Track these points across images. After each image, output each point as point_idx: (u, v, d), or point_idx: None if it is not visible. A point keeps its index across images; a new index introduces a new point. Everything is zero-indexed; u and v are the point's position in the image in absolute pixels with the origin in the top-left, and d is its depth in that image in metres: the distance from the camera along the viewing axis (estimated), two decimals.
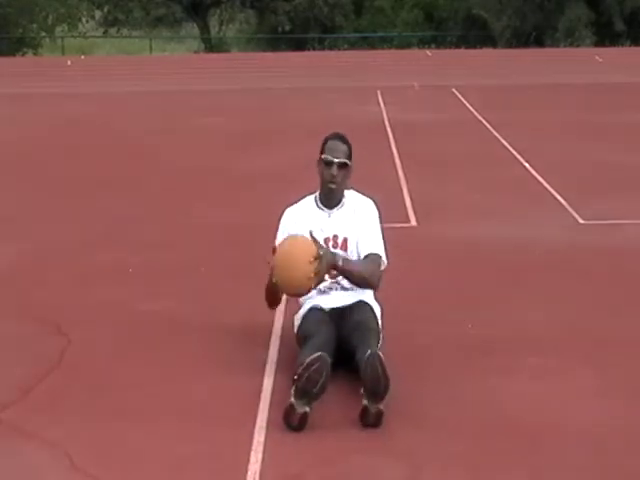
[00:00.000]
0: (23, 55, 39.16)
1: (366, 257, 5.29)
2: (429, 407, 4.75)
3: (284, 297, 5.57)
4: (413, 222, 8.57)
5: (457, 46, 37.61)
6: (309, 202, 5.48)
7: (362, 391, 4.53)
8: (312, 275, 4.99)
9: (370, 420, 4.51)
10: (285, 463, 4.21)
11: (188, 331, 5.85)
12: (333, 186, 5.32)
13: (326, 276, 5.18)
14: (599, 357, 5.40)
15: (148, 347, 5.62)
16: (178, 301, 6.43)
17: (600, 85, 20.66)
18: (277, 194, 8.86)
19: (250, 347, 5.53)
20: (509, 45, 37.20)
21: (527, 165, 11.12)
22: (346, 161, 5.31)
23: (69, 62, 30.79)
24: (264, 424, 4.55)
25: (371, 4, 43.14)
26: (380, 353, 4.56)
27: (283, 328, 5.79)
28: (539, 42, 37.32)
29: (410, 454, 4.28)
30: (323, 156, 5.31)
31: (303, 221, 5.36)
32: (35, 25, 41.51)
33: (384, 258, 5.34)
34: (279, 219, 5.51)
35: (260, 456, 4.25)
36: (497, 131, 13.79)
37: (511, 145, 12.51)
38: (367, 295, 5.36)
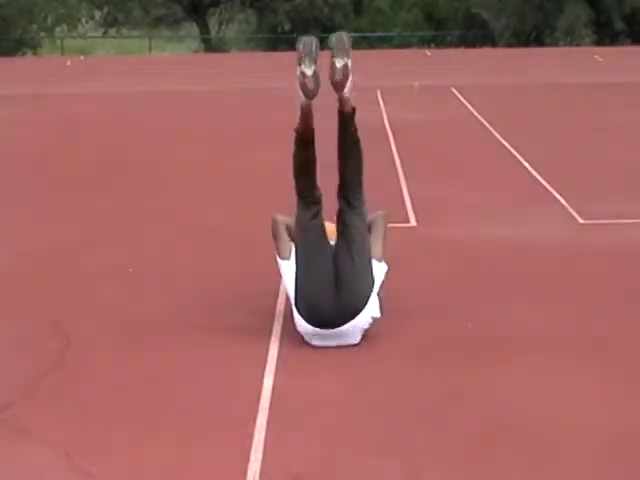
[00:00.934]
0: (23, 55, 39.17)
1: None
2: (429, 407, 4.75)
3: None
4: (413, 222, 8.56)
5: (457, 46, 37.64)
6: None
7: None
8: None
9: (337, 75, 5.53)
10: (285, 463, 4.21)
11: (188, 331, 5.86)
12: None
13: None
14: (599, 357, 5.40)
15: (148, 347, 5.62)
16: (178, 301, 6.43)
17: (600, 84, 20.66)
18: (277, 194, 8.85)
19: (250, 347, 5.53)
20: (509, 44, 37.22)
21: (527, 164, 11.12)
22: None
23: (69, 62, 30.80)
24: (264, 424, 4.55)
25: (371, 4, 43.15)
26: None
27: (283, 328, 5.79)
28: (539, 41, 37.34)
29: (410, 453, 4.28)
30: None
31: None
32: (35, 25, 41.52)
33: None
34: None
35: (260, 456, 4.25)
36: (497, 131, 13.79)
37: (511, 145, 12.51)
38: None
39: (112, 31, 45.44)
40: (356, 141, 5.70)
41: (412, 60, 29.15)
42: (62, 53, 38.73)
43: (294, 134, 5.67)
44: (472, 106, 16.82)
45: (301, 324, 5.53)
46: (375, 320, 5.54)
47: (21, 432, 4.52)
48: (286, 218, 5.90)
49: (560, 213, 8.83)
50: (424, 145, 12.78)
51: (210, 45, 42.92)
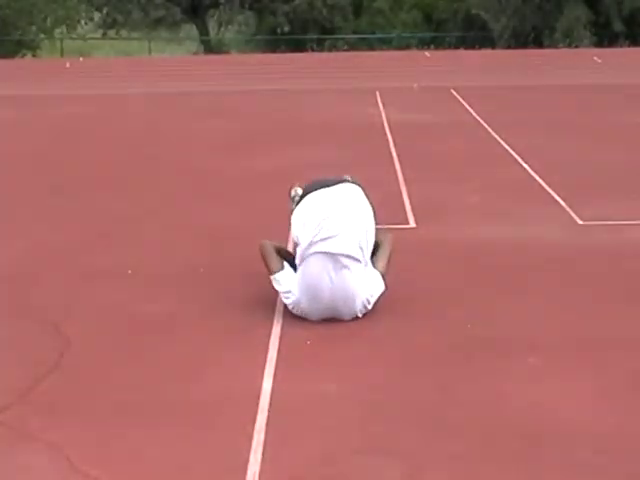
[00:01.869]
0: (22, 57, 39.16)
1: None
2: (429, 407, 4.75)
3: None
4: (412, 223, 8.56)
5: (456, 47, 37.60)
6: None
7: None
8: None
9: None
10: (285, 463, 4.21)
11: (188, 331, 5.86)
12: None
13: None
14: (599, 357, 5.40)
15: (148, 347, 5.62)
16: (178, 301, 6.43)
17: (599, 85, 20.66)
18: (277, 195, 8.85)
19: (250, 347, 5.54)
20: (508, 46, 37.20)
21: (526, 165, 11.12)
22: None
23: (68, 64, 30.76)
24: (264, 425, 4.55)
25: (370, 5, 43.14)
26: None
27: (283, 329, 5.80)
28: (538, 43, 37.33)
29: (410, 454, 4.28)
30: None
31: None
32: (34, 27, 41.48)
33: None
34: None
35: (260, 456, 4.25)
36: (496, 132, 13.79)
37: (510, 145, 12.51)
38: None
39: (111, 33, 45.42)
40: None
41: (411, 61, 29.15)
42: (61, 54, 38.70)
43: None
44: (471, 107, 16.82)
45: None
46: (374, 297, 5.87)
47: (21, 433, 4.52)
48: (275, 242, 6.26)
49: (559, 214, 8.83)
50: (423, 146, 12.77)
51: (209, 47, 42.91)
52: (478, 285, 6.74)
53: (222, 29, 46.66)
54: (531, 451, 4.29)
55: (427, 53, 33.65)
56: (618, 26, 37.24)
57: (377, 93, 18.98)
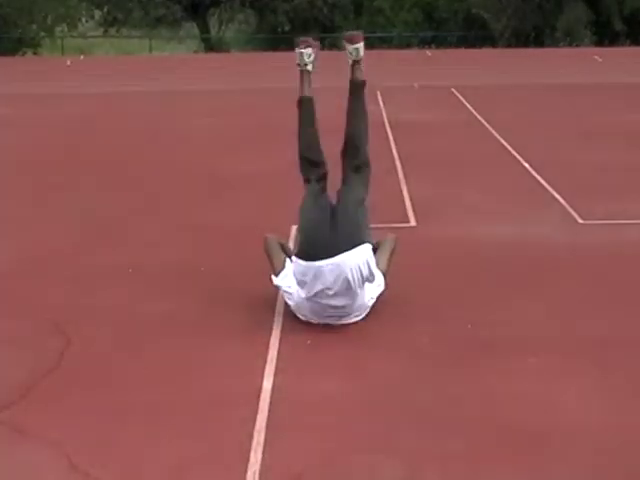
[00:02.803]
0: (23, 55, 39.16)
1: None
2: (429, 407, 4.75)
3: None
4: (412, 222, 8.56)
5: (457, 46, 37.61)
6: None
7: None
8: None
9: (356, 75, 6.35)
10: (285, 463, 4.21)
11: (188, 331, 5.86)
12: None
13: None
14: (599, 357, 5.40)
15: (148, 347, 5.62)
16: (178, 301, 6.43)
17: (600, 85, 20.66)
18: (277, 195, 8.88)
19: (250, 347, 5.54)
20: (509, 45, 37.21)
21: (527, 165, 11.12)
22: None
23: (68, 62, 30.78)
24: (264, 424, 4.55)
25: (371, 4, 43.11)
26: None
27: (283, 328, 5.80)
28: (539, 42, 37.34)
29: (410, 453, 4.28)
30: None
31: None
32: (34, 25, 41.48)
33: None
34: None
35: (260, 456, 4.25)
36: (497, 131, 13.79)
37: (511, 145, 12.51)
38: None
39: (112, 31, 45.42)
40: (365, 111, 6.61)
41: (412, 60, 29.15)
42: (62, 53, 38.71)
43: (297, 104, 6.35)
44: (472, 106, 16.81)
45: (297, 291, 5.80)
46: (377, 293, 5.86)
47: (21, 432, 4.52)
48: (278, 237, 6.20)
49: (560, 213, 8.83)
50: (424, 145, 12.77)
51: (210, 45, 42.90)
52: (478, 285, 6.74)
53: (223, 28, 46.64)
54: (531, 451, 4.29)
55: (428, 52, 33.66)
56: (619, 25, 37.26)
57: (378, 92, 18.98)
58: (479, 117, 15.49)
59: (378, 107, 17.00)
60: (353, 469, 4.17)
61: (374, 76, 22.86)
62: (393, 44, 39.78)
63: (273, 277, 5.99)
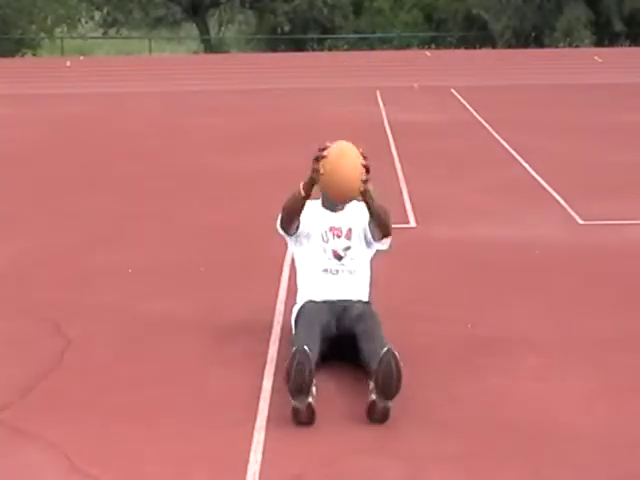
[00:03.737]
0: (22, 56, 39.17)
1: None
2: (429, 407, 4.75)
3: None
4: (412, 223, 8.56)
5: (456, 46, 37.62)
6: (314, 202, 5.60)
7: (372, 386, 4.58)
8: (362, 177, 5.21)
9: (377, 416, 4.55)
10: (285, 463, 4.20)
11: (188, 331, 5.86)
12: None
13: (331, 254, 5.44)
14: (599, 357, 5.40)
15: (148, 347, 5.62)
16: (178, 301, 6.43)
17: (599, 85, 20.67)
18: (277, 195, 8.84)
19: (250, 347, 5.53)
20: (508, 45, 37.24)
21: (526, 165, 11.12)
22: None
23: (68, 63, 30.78)
24: (264, 424, 4.55)
25: (370, 5, 43.13)
26: (395, 352, 4.63)
27: (283, 328, 5.79)
28: (538, 42, 37.35)
29: (410, 454, 4.28)
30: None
31: (309, 211, 5.52)
32: (34, 26, 41.52)
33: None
34: None
35: (260, 456, 4.25)
36: (496, 131, 13.80)
37: (511, 145, 12.52)
38: (365, 284, 5.54)
39: (112, 32, 45.43)
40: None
41: (412, 61, 29.15)
42: (62, 53, 38.71)
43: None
44: (472, 107, 16.82)
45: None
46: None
47: (21, 432, 4.52)
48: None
49: (560, 213, 8.84)
50: (424, 145, 12.78)
51: (210, 46, 42.92)
52: (478, 285, 6.74)
53: (222, 28, 46.67)
54: (531, 451, 4.29)
55: (427, 53, 33.67)
56: (618, 26, 37.27)
57: (377, 92, 18.99)
58: (479, 117, 15.50)
59: (378, 107, 17.00)
60: (352, 469, 4.17)
61: (374, 76, 22.89)
62: (393, 45, 39.80)
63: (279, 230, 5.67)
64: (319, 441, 4.40)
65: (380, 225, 5.43)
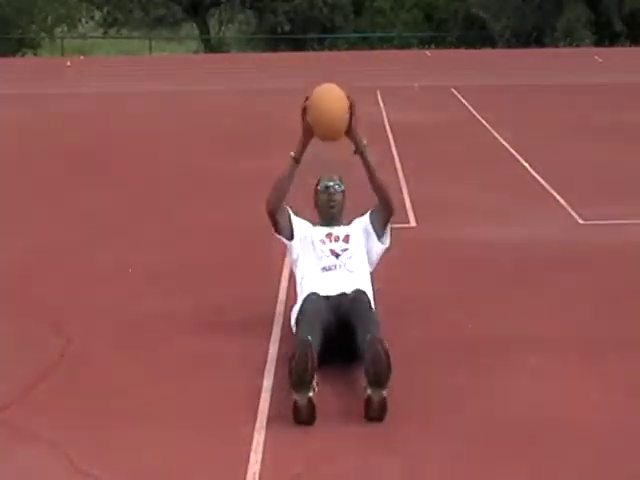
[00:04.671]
0: (23, 56, 39.19)
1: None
2: (429, 407, 4.74)
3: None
4: (412, 222, 8.56)
5: (456, 46, 37.64)
6: (310, 224, 5.82)
7: (365, 382, 4.57)
8: (348, 111, 5.43)
9: (374, 412, 4.53)
10: (285, 463, 4.20)
11: (188, 331, 5.85)
12: (334, 204, 5.73)
13: (329, 252, 5.54)
14: (600, 357, 5.40)
15: (148, 347, 5.62)
16: (178, 301, 6.43)
17: (599, 85, 20.67)
18: None
19: (250, 347, 5.53)
20: (508, 45, 37.27)
21: (527, 165, 11.12)
22: (341, 185, 5.77)
23: (69, 63, 30.79)
24: (264, 424, 4.55)
25: (371, 4, 43.17)
26: (381, 337, 4.67)
27: (283, 328, 5.79)
28: (538, 42, 37.37)
29: (410, 453, 4.28)
30: (319, 186, 5.78)
31: (306, 225, 5.77)
32: (34, 26, 41.56)
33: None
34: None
35: (260, 456, 4.24)
36: (497, 131, 13.80)
37: (511, 145, 12.51)
38: (365, 283, 5.53)
39: (112, 31, 45.46)
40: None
41: (412, 61, 29.16)
42: (62, 53, 38.73)
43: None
44: (472, 106, 16.82)
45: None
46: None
47: (21, 432, 4.52)
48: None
49: (560, 213, 8.83)
50: (424, 145, 12.78)
51: (210, 45, 42.95)
52: (478, 284, 6.73)
53: (223, 28, 46.70)
54: (531, 450, 4.29)
55: (428, 52, 33.68)
56: (618, 25, 37.30)
57: (378, 92, 18.99)
58: (479, 117, 15.50)
59: (378, 107, 16.99)
60: (352, 469, 4.17)
61: (374, 76, 22.88)
62: (393, 44, 39.83)
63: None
64: (319, 441, 4.40)
65: (379, 188, 5.61)
